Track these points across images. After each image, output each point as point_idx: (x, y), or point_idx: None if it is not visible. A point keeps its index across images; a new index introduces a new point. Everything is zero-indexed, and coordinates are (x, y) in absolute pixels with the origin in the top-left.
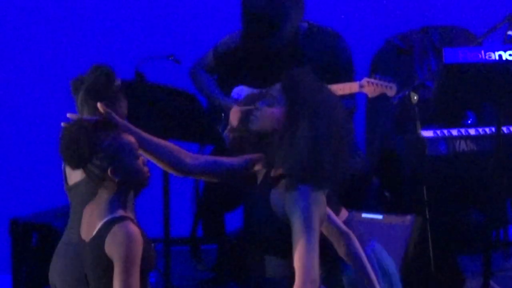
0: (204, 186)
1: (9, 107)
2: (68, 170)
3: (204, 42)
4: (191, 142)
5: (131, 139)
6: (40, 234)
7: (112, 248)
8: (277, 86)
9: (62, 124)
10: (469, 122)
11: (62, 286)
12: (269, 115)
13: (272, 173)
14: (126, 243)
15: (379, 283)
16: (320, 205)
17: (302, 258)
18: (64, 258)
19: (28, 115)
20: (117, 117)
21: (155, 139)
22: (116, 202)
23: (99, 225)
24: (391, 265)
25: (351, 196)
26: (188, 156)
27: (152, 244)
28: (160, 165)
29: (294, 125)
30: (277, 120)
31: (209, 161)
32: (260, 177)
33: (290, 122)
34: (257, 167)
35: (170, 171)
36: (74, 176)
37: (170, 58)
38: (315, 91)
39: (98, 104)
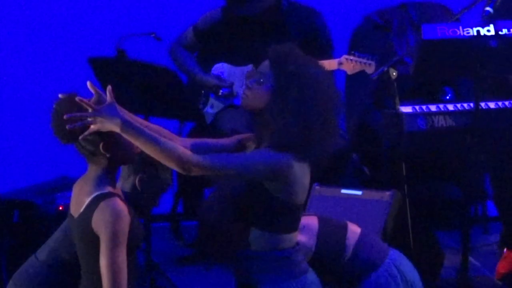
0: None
1: None
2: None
3: (184, 20)
4: (172, 119)
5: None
6: (21, 211)
7: (99, 224)
8: (266, 62)
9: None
10: (448, 97)
11: None
12: (259, 93)
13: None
14: (112, 220)
15: None
16: (297, 173)
17: None
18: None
19: (10, 91)
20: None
21: (146, 124)
22: (105, 179)
23: (87, 201)
24: (412, 272)
25: (330, 172)
26: (178, 140)
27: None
28: None
29: (283, 99)
30: (267, 97)
31: (199, 144)
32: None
33: (278, 97)
34: (249, 148)
35: None
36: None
37: (151, 35)
38: (302, 65)
39: (88, 83)
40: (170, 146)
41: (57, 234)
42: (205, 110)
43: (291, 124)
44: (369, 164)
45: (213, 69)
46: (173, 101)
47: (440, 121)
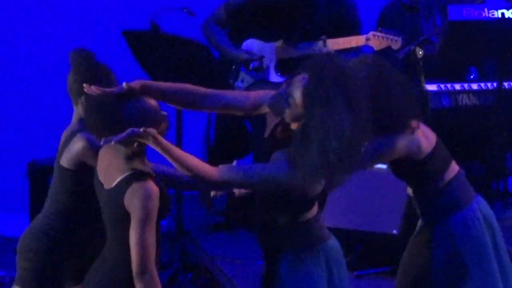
0: (215, 134)
1: (26, 52)
2: (100, 164)
3: None
4: None
5: (152, 103)
6: None
7: (131, 203)
8: (297, 93)
9: (84, 97)
10: (472, 77)
11: None
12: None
13: (279, 134)
14: (145, 201)
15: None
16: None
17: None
18: None
19: (45, 61)
20: (134, 83)
21: (171, 85)
22: (135, 156)
23: (118, 178)
24: (494, 219)
25: None
26: (202, 94)
27: (166, 191)
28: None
29: (307, 138)
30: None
31: (216, 97)
32: (269, 129)
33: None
34: (264, 110)
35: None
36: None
37: (184, 10)
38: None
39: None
40: (195, 168)
41: (54, 185)
42: (235, 84)
43: (313, 160)
44: None
45: (243, 44)
46: (205, 74)
47: (464, 100)
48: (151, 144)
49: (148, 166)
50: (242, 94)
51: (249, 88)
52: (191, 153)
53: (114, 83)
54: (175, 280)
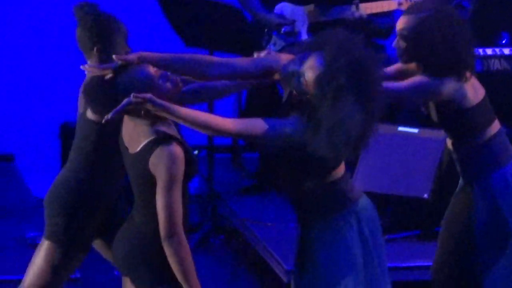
0: (246, 95)
1: (62, 14)
2: (125, 127)
3: None
4: (235, 55)
5: (149, 69)
6: None
7: (156, 167)
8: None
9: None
10: (504, 42)
11: None
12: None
13: (294, 100)
14: (169, 164)
15: None
16: None
17: None
18: None
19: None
20: (130, 56)
21: (176, 56)
22: (158, 120)
23: (143, 142)
24: None
25: (388, 110)
26: (210, 66)
27: (194, 152)
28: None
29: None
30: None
31: (230, 67)
32: (285, 95)
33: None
34: (276, 77)
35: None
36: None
37: None
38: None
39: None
40: (207, 123)
41: (78, 138)
42: (268, 47)
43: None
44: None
45: (276, 8)
46: (238, 37)
47: (496, 65)
48: (152, 108)
49: (173, 129)
50: (252, 60)
51: (281, 51)
52: (223, 114)
53: (123, 32)
54: (206, 242)
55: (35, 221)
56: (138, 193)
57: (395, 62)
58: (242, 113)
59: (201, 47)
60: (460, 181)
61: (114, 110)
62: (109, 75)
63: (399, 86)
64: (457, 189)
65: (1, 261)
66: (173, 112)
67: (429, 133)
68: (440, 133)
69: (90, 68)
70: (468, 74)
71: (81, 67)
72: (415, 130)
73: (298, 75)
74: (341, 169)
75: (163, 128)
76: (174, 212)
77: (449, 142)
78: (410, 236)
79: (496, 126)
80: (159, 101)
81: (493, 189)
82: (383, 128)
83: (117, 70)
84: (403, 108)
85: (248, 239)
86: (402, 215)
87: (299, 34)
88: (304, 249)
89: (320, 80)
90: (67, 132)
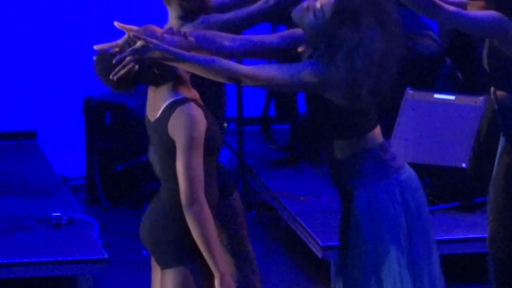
0: None
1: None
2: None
3: None
4: (264, 22)
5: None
6: (113, 113)
7: (175, 130)
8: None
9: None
10: None
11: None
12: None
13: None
14: (188, 125)
15: None
16: None
17: None
18: None
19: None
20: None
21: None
22: (180, 84)
23: (162, 106)
24: None
25: (423, 76)
26: (227, 39)
27: (223, 123)
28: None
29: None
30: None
31: (247, 41)
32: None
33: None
34: (300, 49)
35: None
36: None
37: None
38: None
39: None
40: (218, 68)
41: None
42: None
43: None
44: (463, 69)
45: None
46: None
47: None
48: (159, 54)
49: (194, 93)
50: (277, 34)
51: None
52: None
53: None
54: None
55: (59, 200)
56: (161, 165)
57: (428, 24)
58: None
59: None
60: (502, 140)
61: (119, 57)
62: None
63: (475, 14)
64: (500, 150)
65: (27, 243)
66: (181, 57)
67: (466, 99)
68: (478, 99)
69: (99, 47)
70: None
71: (95, 47)
72: (452, 97)
73: (314, 9)
74: (378, 137)
75: (183, 92)
76: (195, 177)
77: (494, 93)
78: (449, 207)
79: None
80: (164, 46)
81: None
82: (419, 95)
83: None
84: (440, 73)
85: (281, 214)
86: (440, 186)
87: None
88: (347, 224)
89: (338, 5)
90: (91, 106)
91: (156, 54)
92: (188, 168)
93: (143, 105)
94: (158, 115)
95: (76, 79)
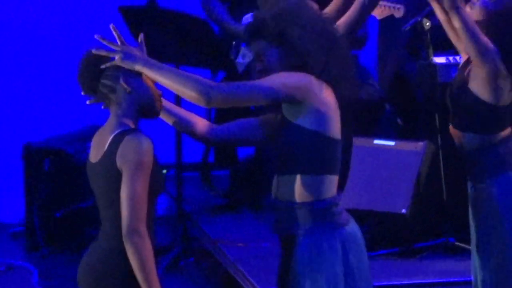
0: (216, 112)
1: (23, 35)
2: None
3: None
4: (204, 68)
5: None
6: (52, 159)
7: (123, 157)
8: (253, 44)
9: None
10: None
11: None
12: (272, 65)
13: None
14: (137, 150)
15: None
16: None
17: None
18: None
19: (39, 41)
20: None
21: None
22: (126, 118)
23: (109, 139)
24: None
25: (364, 123)
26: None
27: (163, 169)
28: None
29: (292, 47)
30: (279, 58)
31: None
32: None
33: (287, 50)
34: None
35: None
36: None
37: None
38: (287, 19)
39: (111, 26)
40: (192, 76)
41: None
42: (236, 60)
43: (302, 42)
44: (403, 115)
45: (243, 19)
46: (205, 50)
47: None
48: (122, 63)
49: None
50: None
51: (250, 63)
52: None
53: None
54: (177, 265)
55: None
56: (105, 205)
57: (369, 72)
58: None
59: (166, 61)
60: (470, 185)
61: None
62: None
63: (483, 36)
64: (472, 194)
65: None
66: (149, 65)
67: (406, 145)
68: (417, 145)
69: (97, 52)
70: None
71: (93, 51)
72: (392, 143)
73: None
74: (334, 188)
75: (131, 124)
76: (138, 204)
77: (460, 137)
78: (388, 253)
79: (508, 130)
80: (132, 53)
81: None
82: (359, 141)
83: None
84: (379, 119)
85: (220, 260)
86: (380, 232)
87: None
88: (287, 271)
89: (257, 35)
90: (30, 153)
91: (137, 66)
92: (133, 193)
93: (82, 152)
94: (105, 149)
95: (15, 125)
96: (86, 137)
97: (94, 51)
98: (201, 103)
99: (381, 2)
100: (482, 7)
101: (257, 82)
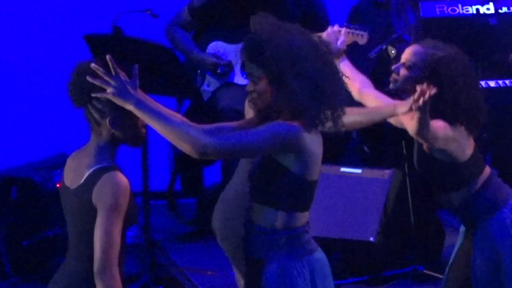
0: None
1: None
2: (68, 170)
3: None
4: (169, 97)
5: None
6: (19, 188)
7: (100, 196)
8: (249, 64)
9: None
10: None
11: None
12: (261, 91)
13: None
14: (114, 191)
15: None
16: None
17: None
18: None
19: (8, 70)
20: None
21: (161, 108)
22: (106, 153)
23: (87, 173)
24: None
25: (330, 150)
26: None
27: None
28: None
29: (283, 81)
30: (269, 88)
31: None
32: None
33: (278, 82)
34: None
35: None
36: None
37: (147, 12)
38: (282, 44)
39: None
40: (185, 127)
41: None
42: (202, 88)
43: (298, 92)
44: (369, 142)
45: (209, 47)
46: (171, 79)
47: None
48: (112, 97)
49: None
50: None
51: (216, 91)
52: (158, 160)
53: None
54: None
55: None
56: (75, 231)
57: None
58: (177, 154)
59: None
60: (461, 228)
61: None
62: None
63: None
64: (459, 238)
65: None
66: (140, 106)
67: (373, 173)
68: (384, 173)
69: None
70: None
71: (91, 66)
72: (359, 171)
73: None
74: (306, 217)
75: (108, 160)
76: (112, 244)
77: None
78: (358, 282)
79: (487, 170)
80: (125, 89)
81: (492, 237)
82: (326, 169)
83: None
84: (346, 147)
85: None
86: (349, 260)
87: (232, 72)
88: None
89: (252, 57)
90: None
91: (128, 105)
92: (108, 234)
93: (49, 180)
94: (81, 181)
95: None
96: (53, 165)
97: (89, 77)
98: (193, 155)
99: (344, 29)
100: (422, 62)
101: (250, 134)
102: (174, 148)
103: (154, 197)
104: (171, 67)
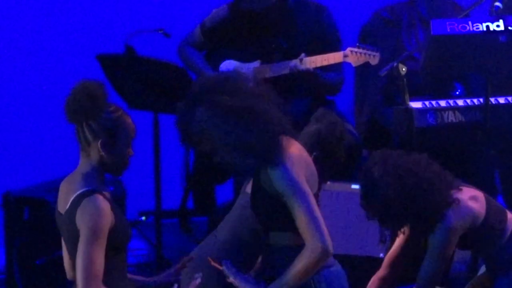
0: (194, 159)
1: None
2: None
3: (192, 16)
4: None
5: (133, 125)
6: (32, 208)
7: (81, 220)
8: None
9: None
10: (457, 93)
11: None
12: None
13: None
14: (91, 215)
15: None
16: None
17: (306, 222)
18: None
19: (20, 89)
20: None
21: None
22: (92, 177)
23: (71, 198)
24: None
25: (341, 168)
26: None
27: (141, 218)
28: None
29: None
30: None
31: None
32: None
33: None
34: None
35: None
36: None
37: (159, 32)
38: (208, 101)
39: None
40: (301, 264)
41: (235, 212)
42: None
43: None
44: None
45: (221, 66)
46: (182, 97)
47: (450, 117)
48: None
49: (104, 188)
50: None
51: None
52: (170, 178)
53: None
54: None
55: None
56: (72, 256)
57: (345, 117)
58: (189, 174)
59: (144, 109)
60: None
61: None
62: None
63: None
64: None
65: None
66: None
67: None
68: None
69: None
70: (454, 194)
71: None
72: None
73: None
74: None
75: (94, 185)
76: (92, 266)
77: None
78: None
79: (510, 218)
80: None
81: None
82: (336, 186)
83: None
84: (357, 164)
85: None
86: (358, 277)
87: None
88: None
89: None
90: (9, 201)
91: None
92: (87, 258)
93: None
94: (67, 207)
95: None
96: None
97: None
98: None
99: (356, 50)
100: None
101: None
102: (186, 165)
103: (166, 216)
104: (183, 87)
